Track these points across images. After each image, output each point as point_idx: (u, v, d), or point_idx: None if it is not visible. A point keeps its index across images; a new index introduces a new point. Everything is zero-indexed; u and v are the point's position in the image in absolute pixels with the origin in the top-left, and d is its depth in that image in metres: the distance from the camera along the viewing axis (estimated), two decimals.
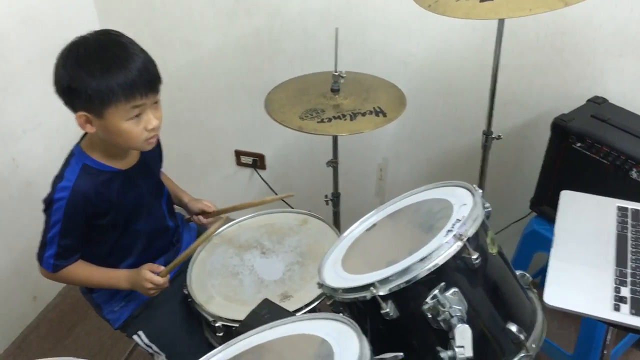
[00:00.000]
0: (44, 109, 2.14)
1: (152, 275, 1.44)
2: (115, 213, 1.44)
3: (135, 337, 1.56)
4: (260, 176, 2.59)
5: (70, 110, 1.33)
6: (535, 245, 1.89)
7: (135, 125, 1.32)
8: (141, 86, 1.28)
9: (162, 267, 1.46)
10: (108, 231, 1.47)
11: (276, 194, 2.49)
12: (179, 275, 1.62)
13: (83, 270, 1.47)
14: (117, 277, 1.49)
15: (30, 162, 2.15)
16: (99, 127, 1.32)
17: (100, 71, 1.25)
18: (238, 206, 1.67)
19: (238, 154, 2.58)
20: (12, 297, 2.21)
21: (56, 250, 1.40)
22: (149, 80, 1.30)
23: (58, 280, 1.48)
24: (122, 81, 1.26)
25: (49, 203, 1.38)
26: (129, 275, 1.47)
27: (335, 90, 1.76)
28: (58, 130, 2.20)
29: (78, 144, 1.44)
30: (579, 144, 1.71)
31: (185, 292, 1.51)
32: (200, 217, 1.71)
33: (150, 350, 1.56)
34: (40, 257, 1.43)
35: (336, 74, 1.75)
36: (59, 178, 1.39)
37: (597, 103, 1.83)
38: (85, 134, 1.43)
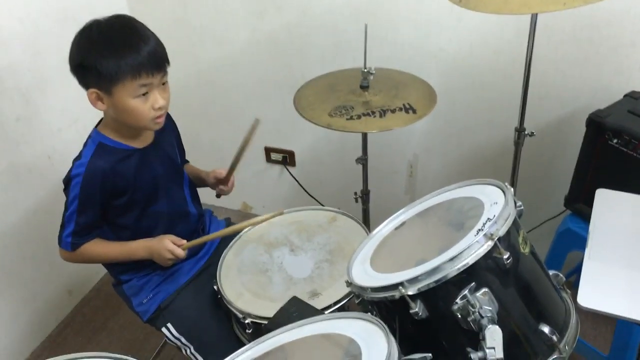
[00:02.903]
0: (79, 107, 2.17)
1: (174, 247, 1.47)
2: (132, 191, 1.48)
3: (164, 329, 1.58)
4: (290, 173, 2.59)
5: (83, 88, 1.39)
6: (570, 244, 1.85)
7: (142, 104, 1.37)
8: (148, 65, 1.34)
9: (184, 241, 1.49)
10: (127, 212, 1.51)
11: (306, 191, 2.53)
12: (208, 268, 1.65)
13: (101, 247, 1.51)
14: (134, 247, 1.52)
15: (65, 159, 2.15)
16: (109, 105, 1.38)
17: (109, 49, 1.32)
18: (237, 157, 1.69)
19: (268, 150, 2.58)
20: (48, 292, 2.26)
21: (74, 228, 1.45)
22: (156, 60, 1.36)
23: (77, 260, 1.52)
24: (131, 60, 1.32)
25: (67, 181, 1.44)
26: (149, 244, 1.50)
27: (364, 87, 1.74)
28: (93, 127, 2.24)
29: (95, 127, 1.50)
30: (615, 141, 1.66)
31: (215, 288, 1.52)
32: (222, 187, 1.71)
33: (179, 343, 1.57)
34: (60, 237, 1.48)
35: (365, 70, 1.73)
36: (77, 158, 1.46)
37: (635, 98, 1.77)
38: (102, 119, 1.49)
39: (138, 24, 1.39)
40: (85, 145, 1.48)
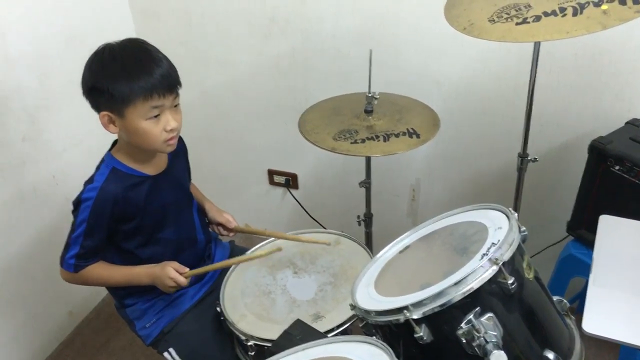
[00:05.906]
0: (84, 127, 2.20)
1: (177, 275, 1.46)
2: (141, 218, 1.48)
3: (166, 354, 1.57)
4: (292, 195, 2.60)
5: (95, 111, 1.40)
6: (573, 269, 1.85)
7: (154, 125, 1.37)
8: (160, 87, 1.34)
9: (187, 269, 1.49)
10: (134, 237, 1.50)
11: (308, 214, 2.53)
12: (212, 293, 1.64)
13: (103, 270, 1.50)
14: (137, 273, 1.51)
15: (69, 179, 2.19)
16: (121, 127, 1.39)
17: (122, 72, 1.33)
18: (259, 231, 1.70)
19: (271, 173, 2.59)
20: (48, 312, 2.25)
21: (78, 251, 1.44)
22: (168, 82, 1.37)
23: (79, 281, 1.50)
24: (143, 82, 1.33)
25: (77, 203, 1.44)
26: (151, 270, 1.50)
27: (368, 112, 1.76)
28: (98, 148, 2.21)
29: (109, 151, 1.50)
30: (617, 167, 1.68)
31: (218, 309, 1.52)
32: (220, 229, 1.73)
33: None
34: (62, 258, 1.47)
35: (370, 95, 1.75)
36: (89, 181, 1.46)
37: (636, 125, 1.79)
38: (115, 142, 1.50)
39: (150, 47, 1.41)
40: (98, 168, 1.48)
